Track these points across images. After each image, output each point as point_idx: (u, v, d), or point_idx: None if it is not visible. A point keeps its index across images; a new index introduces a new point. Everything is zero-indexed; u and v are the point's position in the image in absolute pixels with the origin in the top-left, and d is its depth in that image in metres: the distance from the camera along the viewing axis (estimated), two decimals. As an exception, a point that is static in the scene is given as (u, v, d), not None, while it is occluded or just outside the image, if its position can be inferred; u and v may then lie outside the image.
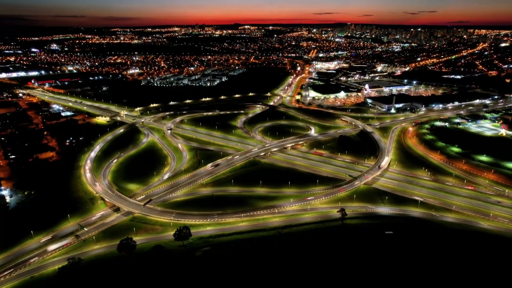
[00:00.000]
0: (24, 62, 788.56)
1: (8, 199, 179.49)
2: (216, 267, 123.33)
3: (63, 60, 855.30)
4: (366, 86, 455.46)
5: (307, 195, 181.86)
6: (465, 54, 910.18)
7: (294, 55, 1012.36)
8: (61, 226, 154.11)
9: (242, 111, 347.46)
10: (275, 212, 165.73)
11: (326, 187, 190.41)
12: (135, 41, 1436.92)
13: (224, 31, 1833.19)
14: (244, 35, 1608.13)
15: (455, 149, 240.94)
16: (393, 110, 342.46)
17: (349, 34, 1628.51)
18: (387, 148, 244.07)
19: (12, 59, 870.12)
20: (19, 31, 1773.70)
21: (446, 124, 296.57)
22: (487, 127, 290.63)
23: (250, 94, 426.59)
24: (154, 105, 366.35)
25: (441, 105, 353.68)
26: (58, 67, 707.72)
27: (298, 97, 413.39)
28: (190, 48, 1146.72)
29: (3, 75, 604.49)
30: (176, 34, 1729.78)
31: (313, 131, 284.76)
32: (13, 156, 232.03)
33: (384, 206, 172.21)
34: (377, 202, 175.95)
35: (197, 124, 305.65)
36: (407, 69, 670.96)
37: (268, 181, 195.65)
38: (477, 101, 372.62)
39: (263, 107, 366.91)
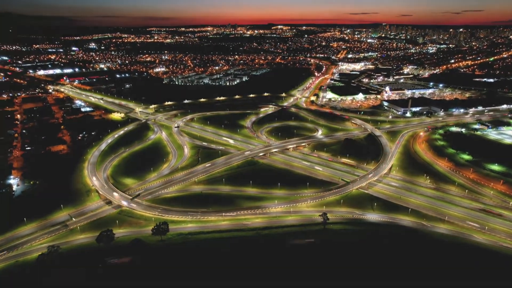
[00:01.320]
0: (63, 60, 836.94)
1: (15, 187, 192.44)
2: (182, 263, 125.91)
3: (97, 58, 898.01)
4: (387, 88, 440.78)
5: (296, 198, 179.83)
6: (505, 56, 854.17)
7: (322, 55, 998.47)
8: (53, 216, 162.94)
9: (253, 111, 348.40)
10: (256, 213, 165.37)
11: (316, 190, 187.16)
12: (167, 40, 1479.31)
13: (256, 31, 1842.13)
14: (275, 35, 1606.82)
15: (466, 157, 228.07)
16: (408, 114, 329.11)
17: (382, 35, 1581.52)
18: (392, 153, 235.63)
19: (53, 57, 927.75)
20: (64, 31, 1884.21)
21: (463, 130, 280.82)
22: (509, 134, 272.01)
23: (265, 94, 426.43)
24: (169, 103, 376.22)
25: (462, 110, 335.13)
26: (91, 65, 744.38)
27: (313, 98, 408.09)
28: (220, 48, 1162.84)
29: (42, 72, 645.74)
30: (208, 33, 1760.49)
31: (319, 133, 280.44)
32: (28, 148, 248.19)
33: (373, 213, 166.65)
34: (366, 208, 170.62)
35: (206, 122, 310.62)
36: (436, 71, 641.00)
37: (261, 181, 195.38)
38: (504, 106, 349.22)
39: (276, 107, 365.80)
